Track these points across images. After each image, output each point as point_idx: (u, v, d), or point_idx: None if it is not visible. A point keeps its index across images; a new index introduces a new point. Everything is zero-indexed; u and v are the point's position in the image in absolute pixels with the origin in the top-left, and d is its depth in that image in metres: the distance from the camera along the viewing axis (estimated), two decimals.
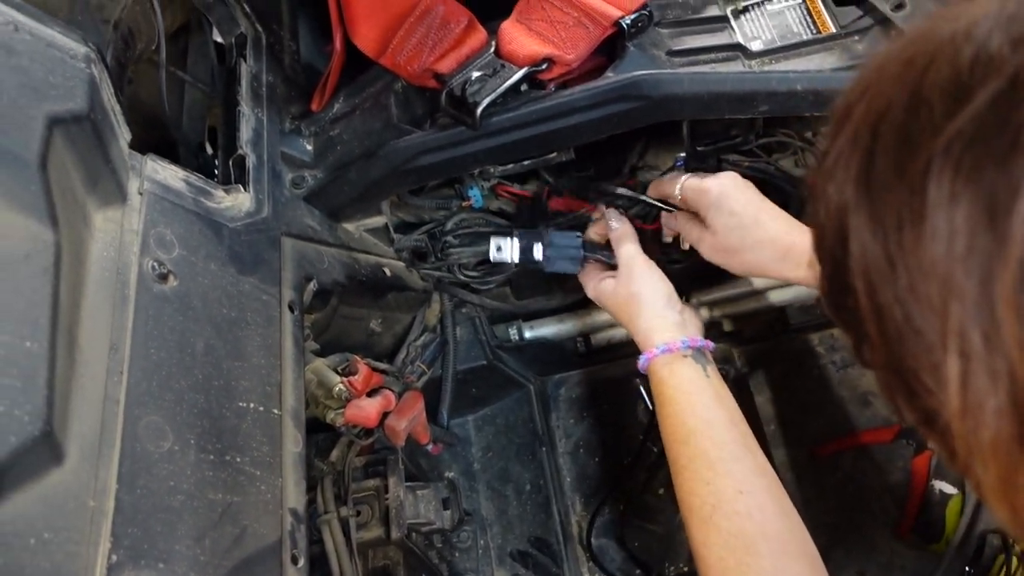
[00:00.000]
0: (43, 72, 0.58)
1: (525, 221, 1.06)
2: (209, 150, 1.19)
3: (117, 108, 0.67)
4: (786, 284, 1.21)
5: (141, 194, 0.69)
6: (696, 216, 0.92)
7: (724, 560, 0.73)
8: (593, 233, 1.02)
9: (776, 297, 1.21)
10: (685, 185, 0.92)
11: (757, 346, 1.27)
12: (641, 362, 0.88)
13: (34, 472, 0.50)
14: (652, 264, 0.94)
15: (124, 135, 0.68)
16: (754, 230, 0.86)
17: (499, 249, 0.97)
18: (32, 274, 0.53)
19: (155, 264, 0.66)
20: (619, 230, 0.97)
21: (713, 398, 0.83)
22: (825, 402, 1.20)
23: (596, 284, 0.97)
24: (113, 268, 0.63)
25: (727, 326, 1.25)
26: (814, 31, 0.91)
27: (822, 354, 1.23)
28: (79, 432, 0.54)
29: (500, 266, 1.06)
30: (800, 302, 1.23)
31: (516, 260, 0.98)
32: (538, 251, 0.97)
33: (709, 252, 0.90)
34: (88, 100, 0.60)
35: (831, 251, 0.41)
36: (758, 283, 1.18)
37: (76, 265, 0.59)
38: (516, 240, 0.97)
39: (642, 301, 0.91)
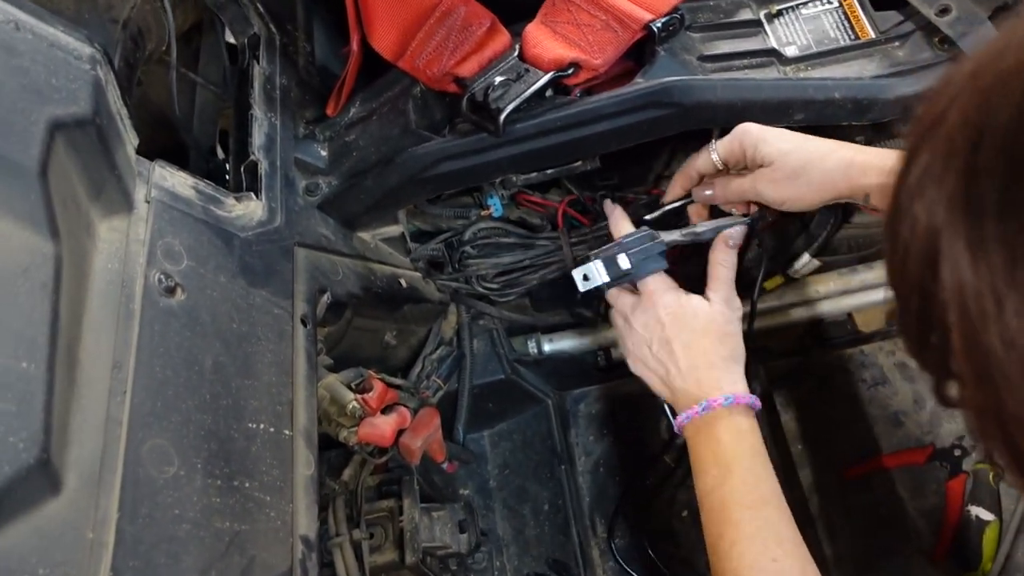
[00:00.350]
0: (45, 74, 0.55)
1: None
2: (220, 154, 1.16)
3: (124, 112, 0.64)
4: (811, 300, 1.17)
5: (148, 202, 0.65)
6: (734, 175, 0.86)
7: None
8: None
9: (805, 312, 1.17)
10: (719, 144, 0.84)
11: (784, 362, 1.23)
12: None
13: (29, 503, 0.47)
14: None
15: (131, 140, 0.65)
16: (810, 147, 0.79)
17: (586, 278, 0.89)
18: (30, 289, 0.49)
19: (162, 276, 0.62)
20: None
21: (749, 454, 0.78)
22: (855, 421, 1.15)
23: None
24: (118, 281, 0.59)
25: (756, 340, 1.21)
26: (852, 36, 0.88)
27: (852, 371, 1.19)
28: (78, 458, 0.51)
29: (519, 278, 1.02)
30: (830, 317, 1.19)
31: (608, 279, 0.88)
32: (623, 261, 0.87)
33: (772, 188, 0.81)
34: (93, 104, 0.57)
35: (916, 278, 0.37)
36: (790, 296, 1.14)
37: (78, 278, 0.55)
38: (599, 261, 0.88)
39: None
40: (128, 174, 0.63)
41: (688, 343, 0.84)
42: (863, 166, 0.77)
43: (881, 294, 1.16)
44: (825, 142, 0.80)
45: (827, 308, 1.16)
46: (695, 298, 0.85)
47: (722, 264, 0.87)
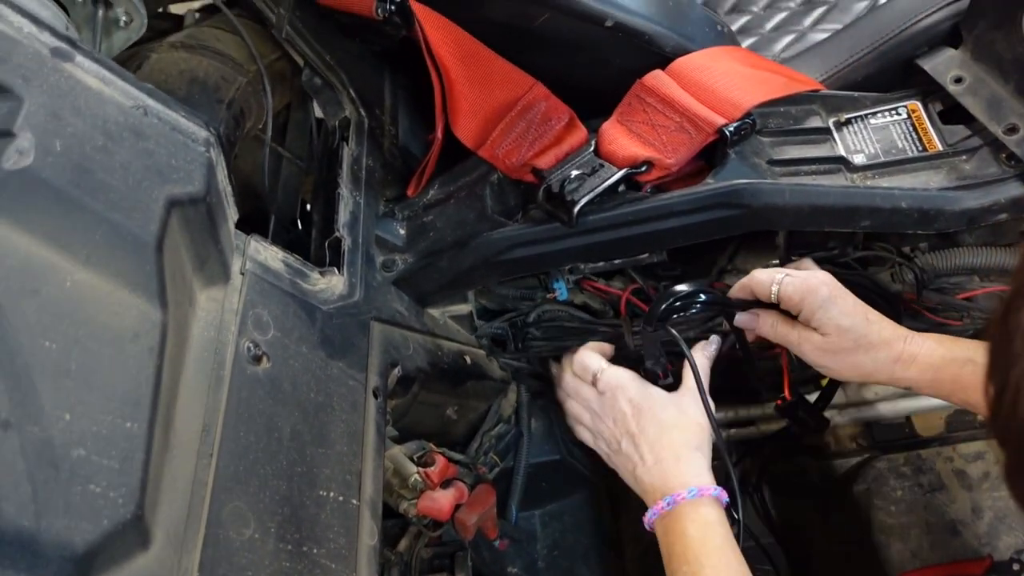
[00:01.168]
0: (167, 155, 0.60)
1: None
2: (299, 225, 1.21)
3: (228, 190, 0.69)
4: (868, 401, 1.17)
5: (243, 274, 0.70)
6: (788, 316, 0.88)
7: None
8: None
9: (860, 412, 1.17)
10: (785, 282, 0.85)
11: (838, 462, 1.22)
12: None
13: (121, 556, 0.50)
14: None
15: (232, 216, 0.70)
16: (868, 331, 0.82)
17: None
18: (139, 354, 0.53)
19: (251, 345, 0.66)
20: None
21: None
22: (910, 527, 1.14)
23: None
24: (212, 348, 0.63)
25: (807, 439, 1.20)
26: (920, 148, 0.90)
27: (908, 475, 1.18)
28: (167, 516, 0.54)
29: None
30: (886, 419, 1.18)
31: None
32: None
33: (815, 354, 0.85)
34: (205, 183, 0.62)
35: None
36: (841, 396, 1.14)
37: (179, 345, 0.59)
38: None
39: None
40: (228, 248, 0.68)
41: (655, 437, 0.86)
42: (908, 360, 0.81)
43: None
44: (884, 327, 0.83)
45: (884, 409, 1.16)
46: (659, 390, 0.89)
47: (694, 366, 0.90)
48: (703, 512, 0.80)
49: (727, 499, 0.83)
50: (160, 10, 1.14)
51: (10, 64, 0.53)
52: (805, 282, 0.84)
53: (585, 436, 0.96)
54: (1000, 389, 0.38)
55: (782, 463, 1.23)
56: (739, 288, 0.92)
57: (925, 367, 0.81)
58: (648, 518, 0.84)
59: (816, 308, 0.83)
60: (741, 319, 0.92)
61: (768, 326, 0.89)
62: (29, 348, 0.48)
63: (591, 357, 0.95)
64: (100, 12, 0.81)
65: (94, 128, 0.56)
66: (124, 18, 0.82)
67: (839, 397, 1.15)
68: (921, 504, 1.16)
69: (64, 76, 0.56)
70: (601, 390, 0.91)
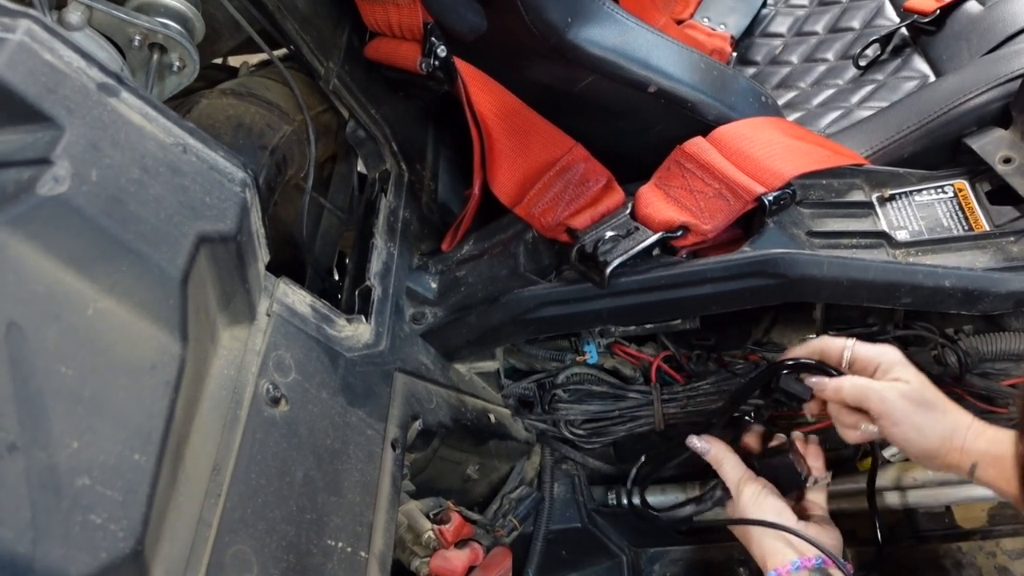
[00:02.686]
0: (202, 192, 0.61)
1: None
2: (336, 276, 1.22)
3: (261, 231, 0.69)
4: (907, 487, 1.12)
5: (269, 315, 0.70)
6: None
7: None
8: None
9: (899, 498, 1.12)
10: (857, 345, 0.84)
11: (873, 549, 1.16)
12: None
13: None
14: (758, 481, 0.89)
15: (263, 257, 0.70)
16: (941, 394, 0.80)
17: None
18: (154, 386, 0.53)
19: (270, 387, 0.65)
20: (712, 452, 0.92)
21: None
22: None
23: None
24: (230, 387, 0.63)
25: (841, 523, 1.15)
26: (966, 227, 0.88)
27: (948, 568, 1.12)
28: (168, 555, 0.53)
29: (607, 427, 1.03)
30: (926, 507, 1.13)
31: None
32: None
33: (900, 402, 0.79)
34: (237, 223, 0.62)
35: None
36: (885, 479, 1.10)
37: (196, 381, 0.59)
38: None
39: (750, 529, 0.87)
40: (256, 288, 0.68)
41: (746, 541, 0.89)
42: (977, 432, 0.78)
43: (985, 489, 1.11)
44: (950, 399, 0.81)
45: (923, 497, 1.11)
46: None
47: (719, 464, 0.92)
48: None
49: (817, 560, 0.82)
50: (219, 61, 1.18)
51: (57, 95, 0.54)
52: (878, 345, 0.83)
53: None
54: None
55: None
56: (806, 349, 0.88)
57: (993, 440, 0.77)
58: None
59: (895, 363, 0.81)
60: (820, 383, 0.86)
61: (841, 383, 0.83)
62: (44, 372, 0.48)
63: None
64: (155, 57, 0.83)
65: (132, 161, 0.57)
66: (178, 63, 0.85)
67: (885, 479, 1.11)
68: None
69: (107, 110, 0.57)
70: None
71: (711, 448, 0.92)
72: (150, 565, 0.51)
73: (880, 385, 0.81)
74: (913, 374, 0.81)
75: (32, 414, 0.46)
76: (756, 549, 0.86)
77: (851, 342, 0.84)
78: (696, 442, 0.93)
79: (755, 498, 0.87)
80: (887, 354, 0.82)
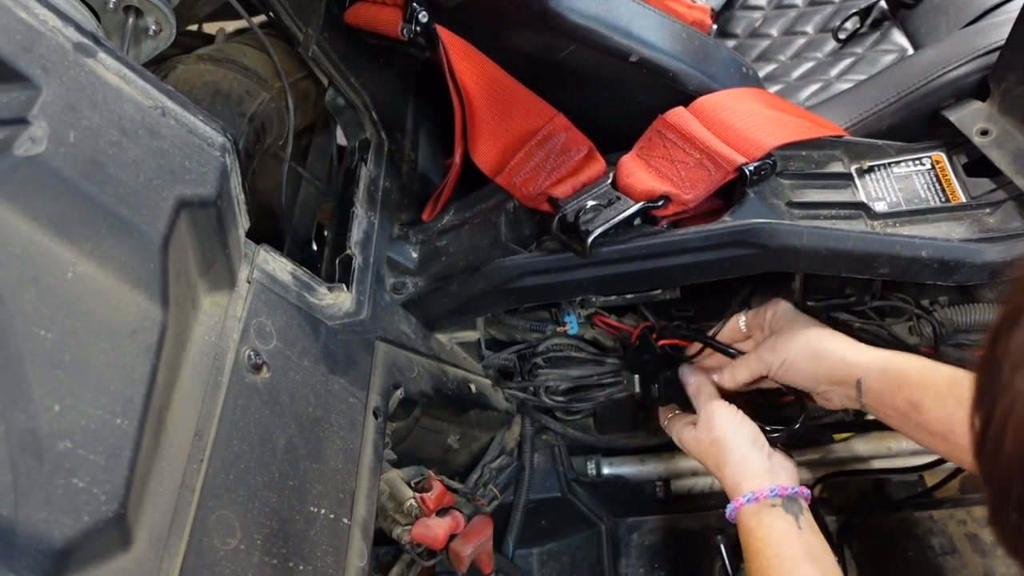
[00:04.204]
0: (181, 156, 0.60)
1: (629, 359, 1.03)
2: (315, 246, 1.21)
3: (241, 197, 0.69)
4: (882, 456, 1.14)
5: (249, 282, 0.69)
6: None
7: None
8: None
9: (875, 466, 1.14)
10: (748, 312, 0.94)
11: (847, 517, 1.18)
12: (728, 511, 0.83)
13: (100, 555, 0.48)
14: (733, 408, 0.89)
15: (243, 223, 0.69)
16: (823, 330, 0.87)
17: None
18: (135, 351, 0.53)
19: (252, 354, 0.65)
20: (694, 384, 0.94)
21: (803, 554, 0.76)
22: None
23: (679, 432, 0.92)
24: (211, 353, 0.62)
25: (816, 491, 1.17)
26: (942, 199, 0.89)
27: (919, 536, 1.14)
28: (150, 519, 0.53)
29: (587, 393, 1.04)
30: (900, 476, 1.15)
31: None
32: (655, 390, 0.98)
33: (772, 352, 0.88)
34: (217, 187, 0.62)
35: (1016, 460, 0.35)
36: (859, 448, 1.11)
37: (177, 346, 0.58)
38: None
39: (726, 446, 0.86)
40: (236, 254, 0.67)
41: (714, 463, 0.90)
42: (863, 351, 0.83)
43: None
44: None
45: (896, 466, 1.13)
46: (689, 428, 0.93)
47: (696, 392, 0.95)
48: (762, 516, 0.81)
49: (793, 489, 0.83)
50: (195, 28, 1.16)
51: (32, 55, 0.53)
52: (764, 305, 0.93)
53: None
54: (986, 421, 0.37)
55: None
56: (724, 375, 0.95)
57: (877, 356, 0.82)
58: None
59: (779, 306, 0.91)
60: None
61: (749, 364, 0.91)
62: (23, 336, 0.47)
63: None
64: (130, 20, 0.82)
65: (110, 123, 0.56)
66: (154, 27, 0.83)
67: (852, 450, 1.12)
68: (932, 567, 1.12)
69: (84, 70, 0.56)
70: None
71: (696, 380, 0.94)
72: (133, 528, 0.50)
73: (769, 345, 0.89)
74: (790, 310, 0.90)
75: (11, 377, 0.46)
76: (731, 471, 0.85)
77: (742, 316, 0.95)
78: (688, 375, 0.96)
79: (733, 419, 0.88)
80: (770, 308, 0.92)
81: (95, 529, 0.47)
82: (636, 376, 1.00)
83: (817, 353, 0.85)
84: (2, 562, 0.43)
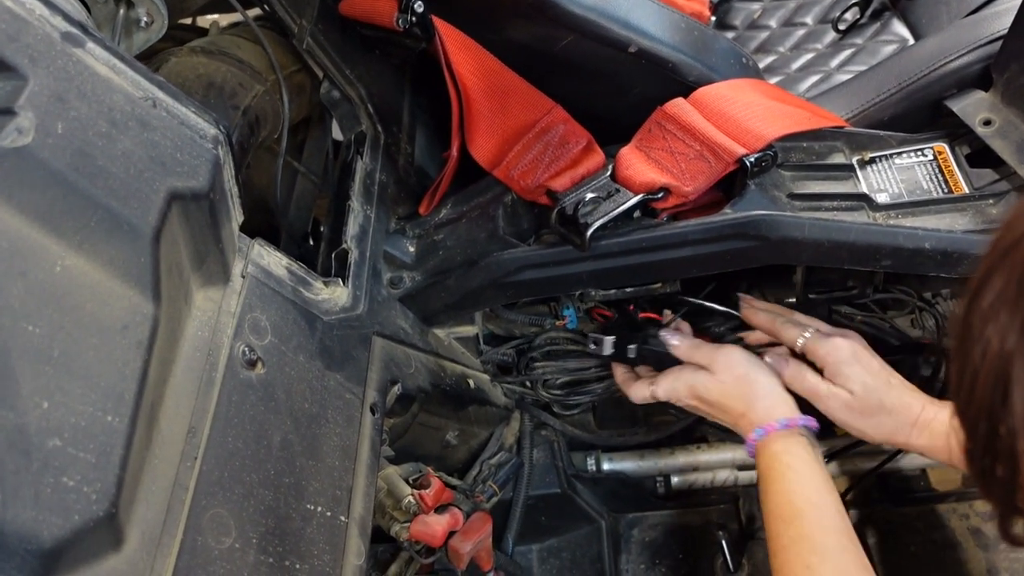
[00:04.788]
0: (172, 148, 0.59)
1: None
2: (310, 242, 1.20)
3: (235, 190, 0.67)
4: (885, 450, 1.13)
5: (244, 277, 0.68)
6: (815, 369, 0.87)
7: None
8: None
9: (876, 462, 1.13)
10: (812, 335, 0.87)
11: (849, 512, 1.18)
12: (756, 435, 0.83)
13: (91, 555, 0.47)
14: (746, 349, 0.90)
15: (237, 217, 0.68)
16: (888, 393, 0.83)
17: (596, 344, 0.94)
18: (126, 347, 0.52)
19: (246, 349, 0.64)
20: (683, 345, 0.91)
21: (824, 482, 0.78)
22: None
23: (691, 378, 0.89)
24: (205, 349, 0.61)
25: None
26: (945, 190, 0.88)
27: (921, 531, 1.13)
28: (143, 517, 0.51)
29: (585, 387, 1.02)
30: (903, 471, 1.14)
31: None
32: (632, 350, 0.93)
33: (842, 411, 0.85)
34: (210, 180, 0.61)
35: (985, 404, 0.37)
36: (859, 444, 1.10)
37: (170, 342, 0.57)
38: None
39: (751, 380, 0.86)
40: (230, 248, 0.66)
41: (742, 397, 0.88)
42: (924, 426, 0.82)
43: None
44: (905, 392, 0.84)
45: (900, 461, 1.12)
46: (702, 373, 0.90)
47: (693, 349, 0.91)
48: (790, 442, 0.81)
49: (816, 424, 0.84)
50: (188, 21, 1.15)
51: (18, 44, 0.52)
52: (831, 338, 0.86)
53: None
54: (960, 369, 0.40)
55: None
56: (763, 324, 0.92)
57: (938, 434, 0.81)
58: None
59: (842, 363, 0.84)
60: (776, 360, 0.89)
61: (796, 375, 0.87)
62: (10, 331, 0.46)
63: None
64: (121, 11, 0.80)
65: (99, 114, 0.55)
66: (145, 19, 0.82)
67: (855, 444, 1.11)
68: (934, 562, 1.11)
69: (72, 60, 0.55)
70: None
71: (685, 340, 0.92)
72: (124, 528, 0.49)
73: (825, 390, 0.85)
74: (859, 376, 0.83)
75: None
76: (762, 402, 0.84)
77: (808, 332, 0.87)
78: (672, 339, 0.92)
79: (751, 357, 0.88)
80: (834, 353, 0.85)
81: (85, 529, 0.46)
82: (611, 338, 0.94)
83: (877, 438, 0.85)
84: None
